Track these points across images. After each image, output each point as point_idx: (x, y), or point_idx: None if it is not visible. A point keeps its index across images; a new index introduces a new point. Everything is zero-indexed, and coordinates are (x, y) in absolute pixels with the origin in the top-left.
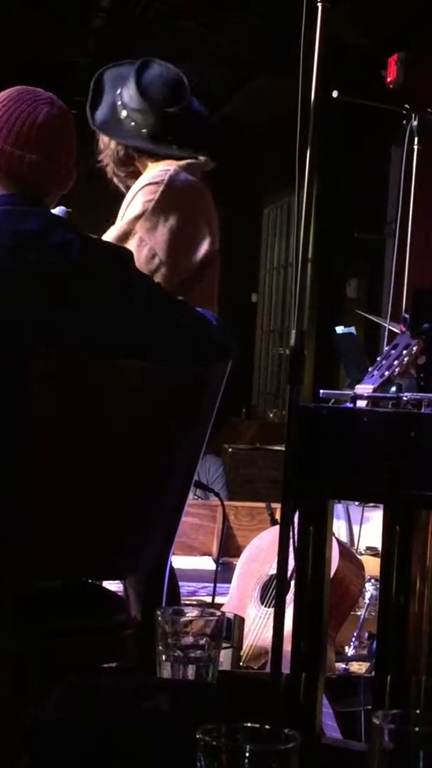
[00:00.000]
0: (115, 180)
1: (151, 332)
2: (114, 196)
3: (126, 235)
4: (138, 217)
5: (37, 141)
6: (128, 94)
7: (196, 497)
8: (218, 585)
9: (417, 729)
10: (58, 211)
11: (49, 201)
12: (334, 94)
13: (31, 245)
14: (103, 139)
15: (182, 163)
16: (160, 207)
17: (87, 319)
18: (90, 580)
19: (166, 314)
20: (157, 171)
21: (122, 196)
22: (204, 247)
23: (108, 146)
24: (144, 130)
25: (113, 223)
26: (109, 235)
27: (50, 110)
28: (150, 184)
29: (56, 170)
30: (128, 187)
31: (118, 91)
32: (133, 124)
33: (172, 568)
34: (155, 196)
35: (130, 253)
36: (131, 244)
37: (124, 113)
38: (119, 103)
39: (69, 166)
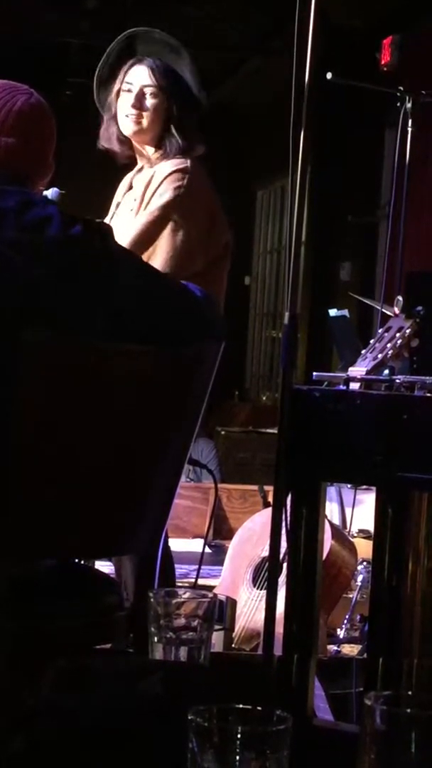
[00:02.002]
0: (115, 143)
1: (134, 306)
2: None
3: (160, 221)
4: (170, 203)
5: (13, 125)
6: (188, 72)
7: (188, 479)
8: (211, 567)
9: (409, 710)
10: (50, 192)
11: (29, 186)
12: (328, 76)
13: (6, 222)
14: (156, 92)
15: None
16: (191, 194)
17: (67, 294)
18: (82, 562)
19: (150, 288)
20: (176, 159)
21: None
22: (227, 232)
23: (161, 103)
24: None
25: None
26: (142, 221)
27: (28, 99)
28: (176, 171)
29: (33, 155)
30: (124, 154)
31: (181, 67)
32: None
33: (169, 550)
34: (184, 182)
35: (109, 228)
36: (167, 230)
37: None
38: (185, 76)
39: (47, 154)
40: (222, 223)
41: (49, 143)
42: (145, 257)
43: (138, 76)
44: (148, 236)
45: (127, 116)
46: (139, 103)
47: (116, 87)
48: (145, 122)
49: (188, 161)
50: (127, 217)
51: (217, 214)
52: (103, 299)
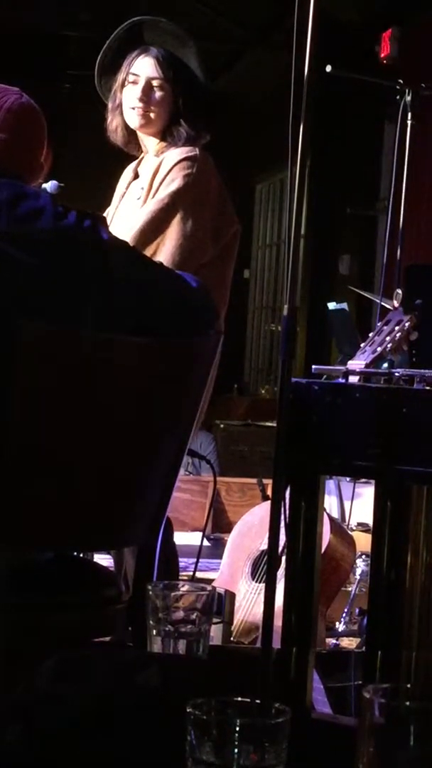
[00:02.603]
0: (120, 134)
1: (126, 297)
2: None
3: (169, 210)
4: (180, 191)
5: (4, 122)
6: (195, 61)
7: (187, 473)
8: (209, 560)
9: (407, 703)
10: (49, 185)
11: (16, 167)
12: (328, 69)
13: (1, 215)
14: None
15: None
16: (199, 182)
17: (59, 285)
18: (81, 555)
19: (143, 278)
20: (184, 148)
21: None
22: (236, 221)
23: (167, 95)
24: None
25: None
26: (150, 209)
27: (18, 98)
28: (185, 159)
29: (23, 153)
30: (128, 145)
31: (187, 56)
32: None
33: (173, 545)
34: (193, 170)
35: (103, 219)
36: (176, 218)
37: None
38: (191, 65)
39: (36, 154)
40: (231, 212)
41: (39, 144)
42: (153, 246)
43: (144, 68)
44: (156, 224)
45: (133, 109)
46: (145, 96)
47: (121, 77)
48: (152, 115)
49: (196, 149)
50: (134, 205)
51: (225, 202)
52: (95, 290)
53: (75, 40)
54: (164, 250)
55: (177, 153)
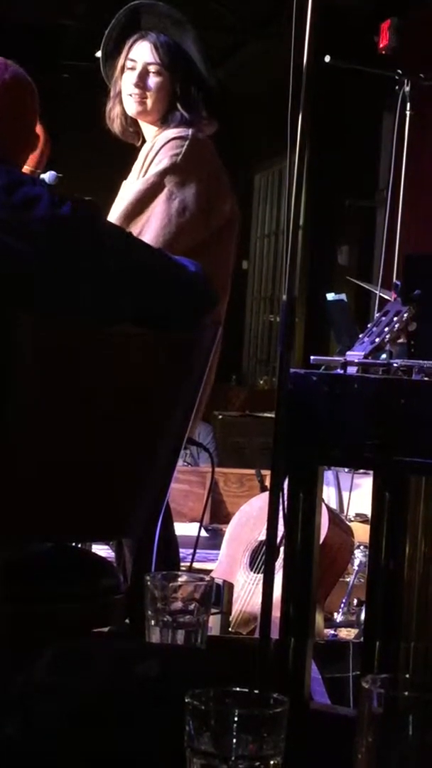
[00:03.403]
0: (117, 122)
1: (124, 283)
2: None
3: (155, 188)
4: (166, 171)
5: None
6: (194, 46)
7: (185, 463)
8: (208, 551)
9: (406, 693)
10: (47, 175)
11: (14, 160)
12: (327, 59)
13: None
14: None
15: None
16: (188, 161)
17: (55, 273)
18: (79, 545)
19: (140, 266)
20: (176, 129)
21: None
22: (230, 202)
23: (164, 81)
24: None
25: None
26: (136, 189)
27: (2, 74)
28: (175, 138)
29: (18, 130)
30: (129, 134)
31: (186, 42)
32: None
33: (174, 535)
34: (182, 150)
35: (99, 207)
36: (161, 198)
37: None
38: (190, 51)
39: (29, 125)
40: (225, 193)
41: (31, 113)
42: (139, 224)
43: (141, 53)
44: (141, 204)
45: (130, 95)
46: (142, 81)
47: (120, 63)
48: (149, 102)
49: (189, 130)
50: (128, 186)
51: (219, 182)
52: (91, 278)
53: (72, 30)
54: (149, 229)
55: (168, 133)
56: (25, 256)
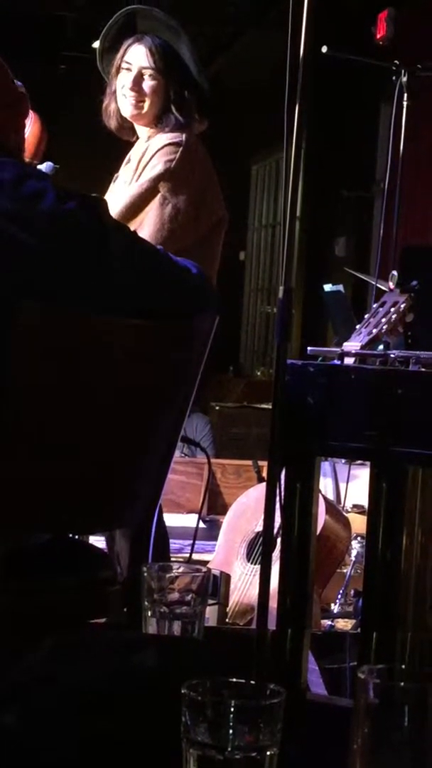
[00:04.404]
0: (113, 119)
1: (128, 281)
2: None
3: (149, 193)
4: (160, 176)
5: None
6: (187, 52)
7: (183, 455)
8: (205, 542)
9: (402, 684)
10: (44, 166)
11: (12, 146)
12: (324, 49)
13: (2, 193)
14: (155, 75)
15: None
16: (182, 166)
17: (60, 267)
18: (76, 536)
19: (144, 263)
20: (171, 133)
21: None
22: (220, 206)
23: (159, 85)
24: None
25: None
26: (131, 193)
27: None
28: (170, 144)
29: (9, 116)
30: (123, 131)
31: (180, 47)
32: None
33: (164, 526)
34: (176, 156)
35: (104, 203)
36: (154, 203)
37: (190, 67)
38: (184, 56)
39: (11, 94)
40: (215, 199)
41: (6, 81)
42: (132, 228)
43: (137, 57)
44: (135, 208)
45: (125, 96)
46: (137, 85)
47: (116, 62)
48: (145, 106)
49: (183, 135)
50: (122, 189)
51: (210, 189)
52: (96, 273)
53: (71, 21)
54: (142, 234)
55: (164, 138)
56: (29, 247)
